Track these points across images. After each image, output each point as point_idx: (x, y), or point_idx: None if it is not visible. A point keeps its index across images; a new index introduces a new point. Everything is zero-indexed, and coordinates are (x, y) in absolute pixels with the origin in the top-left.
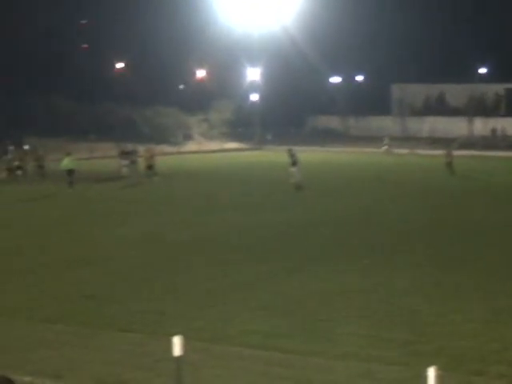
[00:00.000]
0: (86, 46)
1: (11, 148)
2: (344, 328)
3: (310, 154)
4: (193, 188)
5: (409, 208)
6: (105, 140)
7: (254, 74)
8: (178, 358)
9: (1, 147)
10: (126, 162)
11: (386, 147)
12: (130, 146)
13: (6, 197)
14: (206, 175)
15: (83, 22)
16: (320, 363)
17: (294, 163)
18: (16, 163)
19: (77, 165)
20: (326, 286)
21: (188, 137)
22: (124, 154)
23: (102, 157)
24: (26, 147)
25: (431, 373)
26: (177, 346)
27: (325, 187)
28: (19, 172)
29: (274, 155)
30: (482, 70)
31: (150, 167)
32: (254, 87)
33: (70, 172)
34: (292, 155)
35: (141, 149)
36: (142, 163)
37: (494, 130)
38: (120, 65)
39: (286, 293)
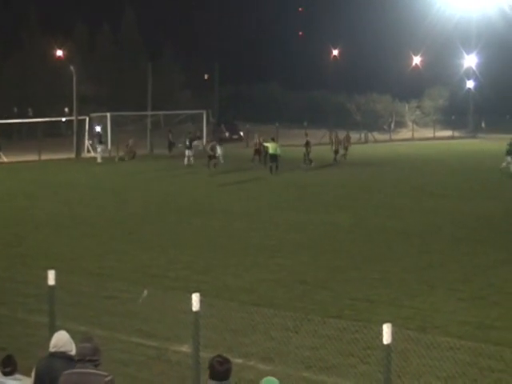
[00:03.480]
0: (301, 33)
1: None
2: None
3: None
4: (401, 176)
5: None
6: (318, 127)
7: (469, 61)
8: (387, 346)
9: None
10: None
11: None
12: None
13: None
14: (417, 163)
15: (301, 8)
16: None
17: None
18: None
19: (281, 151)
20: None
21: (401, 124)
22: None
23: (314, 144)
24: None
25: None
26: (386, 333)
27: None
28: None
29: (488, 143)
30: None
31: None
32: (469, 74)
33: (273, 157)
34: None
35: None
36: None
37: None
38: (334, 52)
39: (497, 284)
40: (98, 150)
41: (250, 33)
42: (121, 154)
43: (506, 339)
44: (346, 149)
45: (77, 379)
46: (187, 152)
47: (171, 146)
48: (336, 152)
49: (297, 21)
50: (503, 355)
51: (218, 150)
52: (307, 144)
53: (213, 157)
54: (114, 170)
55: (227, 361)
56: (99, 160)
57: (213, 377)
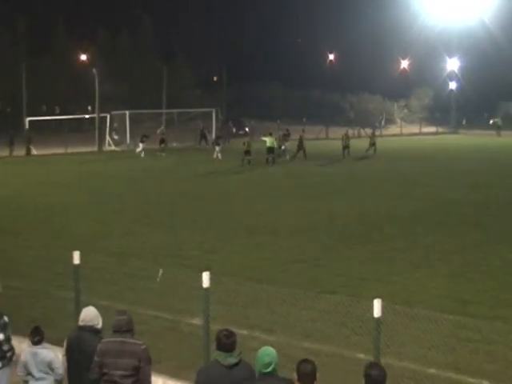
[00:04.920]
0: (299, 39)
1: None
2: None
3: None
4: (390, 167)
5: None
6: (315, 123)
7: (451, 65)
8: (377, 319)
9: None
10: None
11: None
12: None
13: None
14: (405, 156)
15: (299, 18)
16: (506, 328)
17: None
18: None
19: (277, 144)
20: (507, 259)
21: (390, 121)
22: (286, 136)
23: (312, 138)
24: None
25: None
26: (376, 308)
27: None
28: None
29: (469, 138)
30: None
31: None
32: (451, 76)
33: (270, 150)
34: None
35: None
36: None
37: None
38: (330, 56)
39: (474, 263)
40: (140, 147)
41: (254, 40)
42: (162, 146)
43: (482, 312)
44: (373, 144)
45: (116, 347)
46: (216, 148)
47: (204, 139)
48: (345, 148)
49: (296, 29)
50: (479, 327)
51: (284, 146)
52: (283, 138)
53: (248, 153)
54: (135, 162)
55: (233, 334)
56: (142, 155)
57: (220, 349)
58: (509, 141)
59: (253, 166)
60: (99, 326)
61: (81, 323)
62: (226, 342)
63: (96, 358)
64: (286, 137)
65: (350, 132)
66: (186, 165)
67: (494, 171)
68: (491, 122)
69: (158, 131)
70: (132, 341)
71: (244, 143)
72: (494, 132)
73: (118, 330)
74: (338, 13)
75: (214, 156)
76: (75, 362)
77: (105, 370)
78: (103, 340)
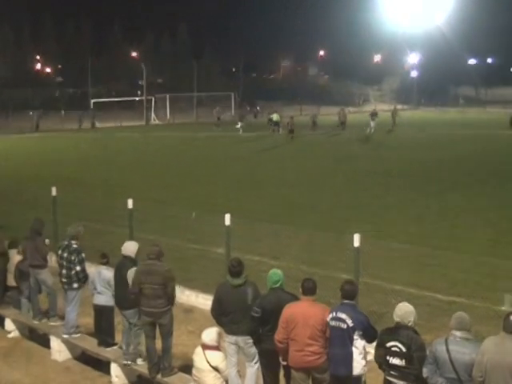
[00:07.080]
0: (297, 41)
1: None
2: (471, 233)
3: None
4: (366, 134)
5: None
6: (310, 103)
7: (413, 58)
8: (357, 248)
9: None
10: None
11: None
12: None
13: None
14: (377, 126)
15: (298, 22)
16: (454, 256)
17: None
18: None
19: (280, 119)
20: (459, 204)
21: (367, 101)
22: (373, 115)
23: (307, 115)
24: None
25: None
26: (356, 240)
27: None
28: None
29: (426, 114)
30: None
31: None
32: (413, 67)
33: (276, 123)
34: None
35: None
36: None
37: None
38: (321, 52)
39: (433, 208)
40: (239, 125)
41: (263, 41)
42: (218, 122)
43: (438, 244)
44: (394, 119)
45: (147, 268)
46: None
47: (256, 115)
48: (342, 123)
49: (294, 32)
50: (437, 255)
51: (372, 124)
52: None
53: (292, 131)
54: (179, 133)
55: (239, 264)
56: (241, 132)
57: (230, 274)
58: (466, 115)
59: (280, 138)
60: (133, 255)
61: (122, 252)
62: (234, 270)
63: (135, 276)
64: (373, 116)
65: (337, 109)
66: (214, 135)
67: (448, 136)
68: (461, 100)
69: (215, 111)
70: (159, 263)
71: (288, 123)
72: (444, 109)
73: (149, 257)
74: (326, 19)
75: (270, 131)
76: (118, 280)
77: (141, 286)
78: (140, 263)
